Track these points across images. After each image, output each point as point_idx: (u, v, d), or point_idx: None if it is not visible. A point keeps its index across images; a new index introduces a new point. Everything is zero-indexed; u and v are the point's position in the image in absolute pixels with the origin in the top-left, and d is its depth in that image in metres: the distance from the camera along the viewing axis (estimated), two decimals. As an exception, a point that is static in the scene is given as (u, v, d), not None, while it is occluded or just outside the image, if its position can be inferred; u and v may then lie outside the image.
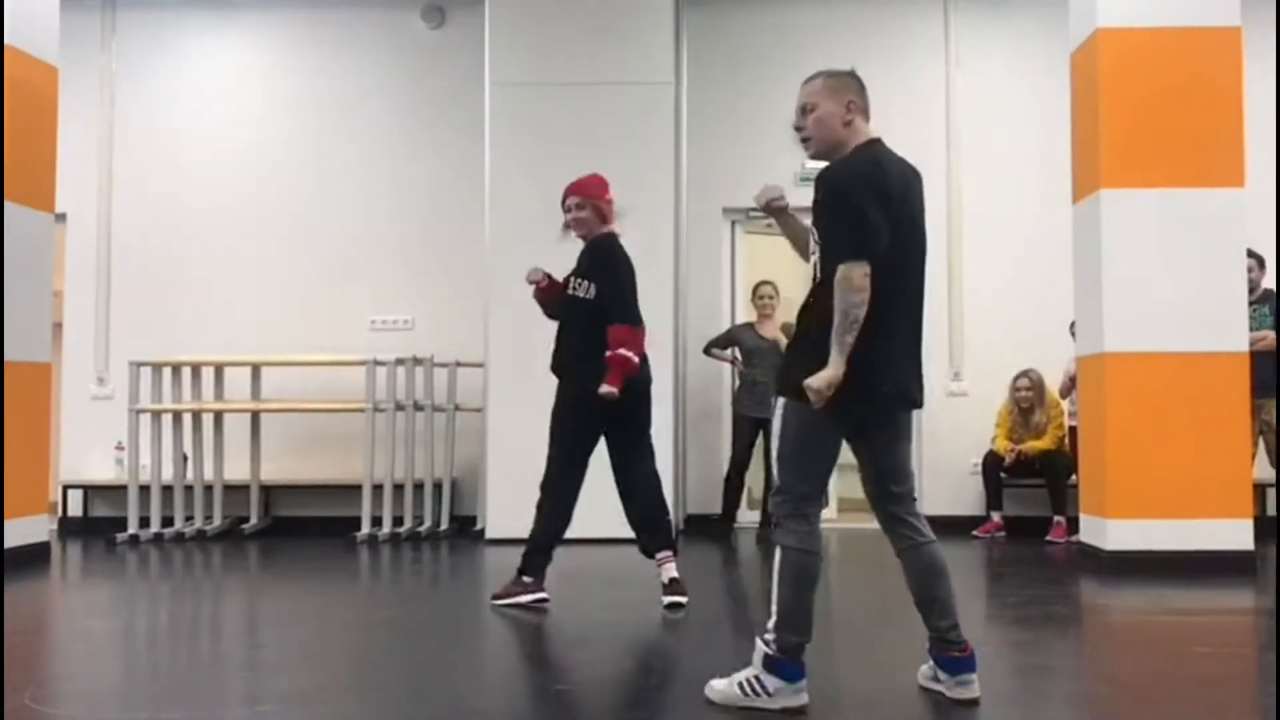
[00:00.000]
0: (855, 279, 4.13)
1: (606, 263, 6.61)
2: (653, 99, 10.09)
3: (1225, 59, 8.06)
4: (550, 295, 6.82)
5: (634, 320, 6.55)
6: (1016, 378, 10.30)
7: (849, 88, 4.45)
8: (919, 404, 4.54)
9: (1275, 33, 9.71)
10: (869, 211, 4.23)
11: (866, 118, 4.49)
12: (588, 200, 6.68)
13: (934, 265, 10.70)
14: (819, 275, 4.31)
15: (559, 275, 6.88)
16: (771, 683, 4.26)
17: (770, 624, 4.29)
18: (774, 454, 4.40)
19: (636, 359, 6.50)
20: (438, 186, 11.20)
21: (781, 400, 4.36)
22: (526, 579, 6.63)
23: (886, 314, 4.25)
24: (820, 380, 4.13)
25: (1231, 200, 7.99)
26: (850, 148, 4.42)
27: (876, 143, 4.47)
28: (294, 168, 11.33)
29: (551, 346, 6.79)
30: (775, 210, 4.60)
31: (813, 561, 4.33)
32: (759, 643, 4.31)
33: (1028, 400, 10.27)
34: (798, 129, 4.50)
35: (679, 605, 6.52)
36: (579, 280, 6.63)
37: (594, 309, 6.53)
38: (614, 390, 6.36)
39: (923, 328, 4.56)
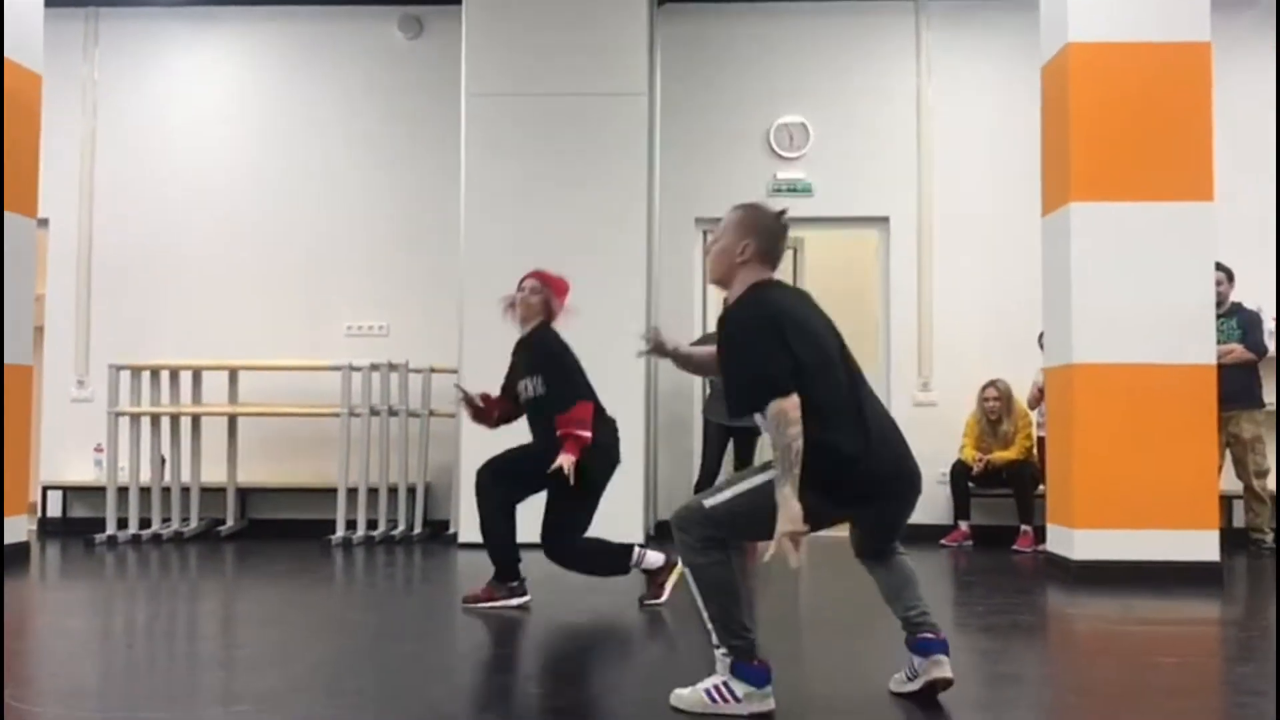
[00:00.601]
0: (788, 412, 4.15)
1: (550, 354, 6.79)
2: (626, 109, 10.19)
3: (1195, 74, 8.10)
4: (488, 411, 6.99)
5: (586, 397, 6.74)
6: (984, 388, 10.39)
7: (752, 229, 4.48)
8: (917, 480, 4.62)
9: (1275, 45, 9.85)
10: (771, 349, 4.26)
11: (766, 262, 4.51)
12: (545, 289, 6.85)
13: (903, 275, 10.95)
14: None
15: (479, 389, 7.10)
16: (739, 688, 4.28)
17: (714, 639, 4.32)
18: (730, 488, 4.36)
19: (588, 434, 6.62)
20: (414, 195, 11.28)
21: (765, 476, 4.31)
22: (513, 582, 6.80)
23: (840, 412, 4.30)
24: (791, 524, 4.13)
25: (1201, 214, 8.02)
26: (736, 284, 4.49)
27: (765, 284, 4.48)
28: (272, 175, 11.40)
29: None
30: (661, 353, 4.78)
31: (724, 569, 4.30)
32: (717, 654, 4.34)
33: (995, 410, 10.36)
34: (705, 253, 4.68)
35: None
36: (527, 380, 6.78)
37: (548, 401, 6.69)
38: (570, 459, 6.53)
39: (885, 410, 4.64)
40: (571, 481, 6.53)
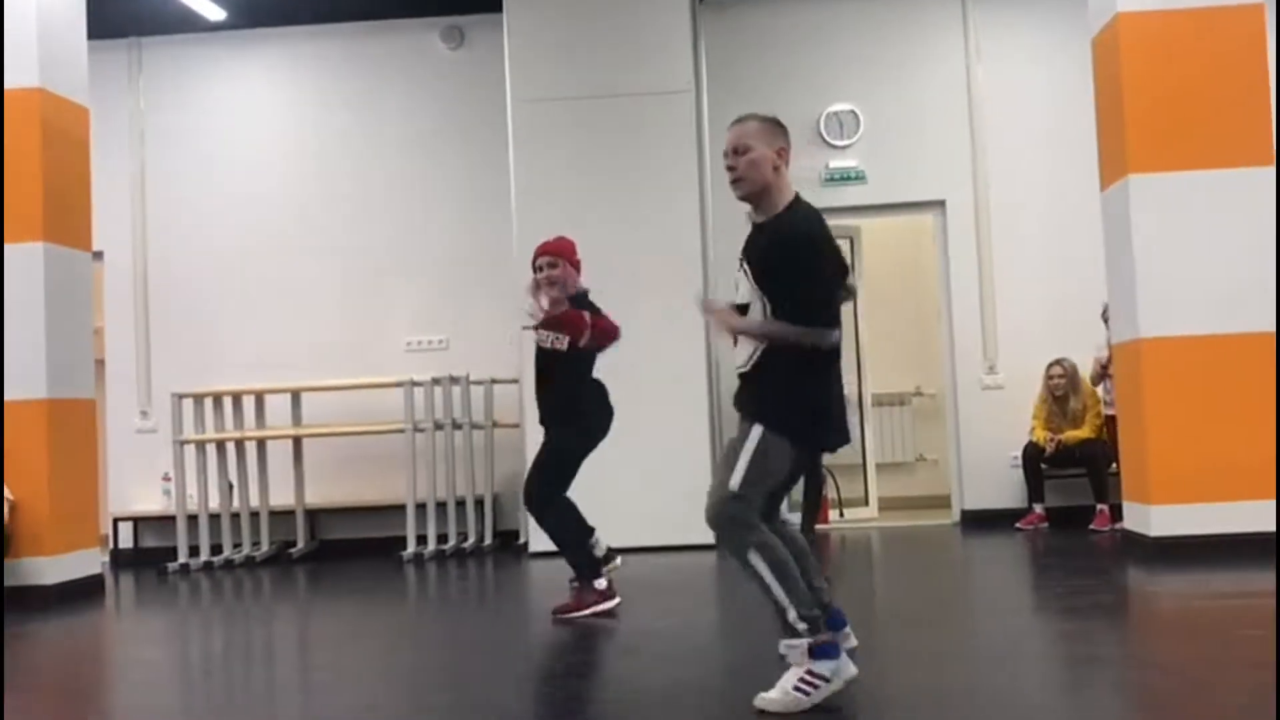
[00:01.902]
0: (806, 339, 4.27)
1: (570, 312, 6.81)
2: (673, 107, 10.13)
3: (1249, 37, 7.96)
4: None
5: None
6: (1050, 366, 10.27)
7: (780, 135, 4.48)
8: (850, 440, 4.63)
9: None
10: (829, 273, 4.37)
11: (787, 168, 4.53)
12: (560, 259, 6.82)
13: (963, 259, 10.84)
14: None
15: None
16: (825, 667, 4.24)
17: (790, 617, 4.26)
18: (741, 458, 4.36)
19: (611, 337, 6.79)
20: (465, 206, 11.27)
21: (759, 431, 4.36)
22: (601, 584, 6.75)
23: (835, 360, 4.42)
24: (729, 326, 4.38)
25: (1261, 179, 7.87)
26: (777, 194, 4.45)
27: (803, 201, 4.52)
28: (322, 194, 11.43)
29: None
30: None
31: (776, 546, 4.32)
32: (791, 644, 4.28)
33: (1061, 388, 10.24)
34: (729, 168, 4.50)
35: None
36: (546, 332, 6.80)
37: (566, 358, 6.75)
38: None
39: None
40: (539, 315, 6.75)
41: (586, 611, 6.62)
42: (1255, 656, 4.85)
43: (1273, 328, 7.81)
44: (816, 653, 4.25)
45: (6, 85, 8.37)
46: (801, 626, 4.26)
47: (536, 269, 6.86)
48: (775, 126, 4.49)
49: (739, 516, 4.33)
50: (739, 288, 4.50)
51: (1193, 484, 7.77)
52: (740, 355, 4.47)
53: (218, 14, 10.87)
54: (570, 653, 5.92)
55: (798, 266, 4.33)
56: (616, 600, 6.77)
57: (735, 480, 4.33)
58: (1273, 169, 7.89)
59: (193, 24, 11.31)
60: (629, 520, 9.19)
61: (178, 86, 11.57)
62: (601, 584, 6.75)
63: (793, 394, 4.34)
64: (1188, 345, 7.85)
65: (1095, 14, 8.46)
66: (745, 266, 4.46)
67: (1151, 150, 7.95)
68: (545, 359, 6.84)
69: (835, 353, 4.41)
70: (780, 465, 4.39)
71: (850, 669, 4.29)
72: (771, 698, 4.26)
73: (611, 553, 7.07)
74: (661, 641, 6.02)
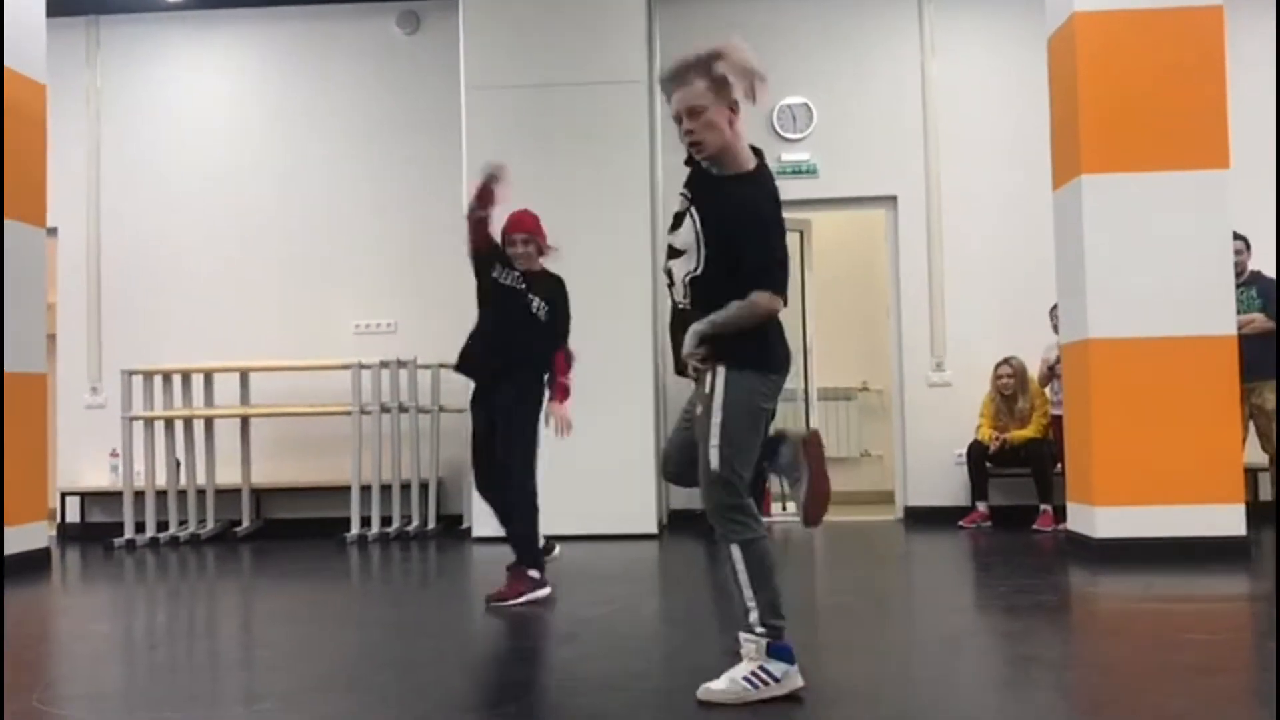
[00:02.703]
0: (763, 307, 4.27)
1: (565, 301, 7.05)
2: (627, 97, 10.20)
3: (1207, 40, 7.99)
4: (488, 199, 6.97)
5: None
6: (998, 365, 10.35)
7: (727, 88, 4.29)
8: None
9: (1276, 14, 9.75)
10: (782, 241, 4.36)
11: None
12: (533, 238, 6.97)
13: (913, 255, 10.92)
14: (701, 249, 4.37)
15: None
16: (777, 668, 4.27)
17: (754, 618, 4.28)
18: (713, 432, 4.30)
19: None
20: (417, 191, 11.28)
21: (723, 374, 4.30)
22: (534, 574, 6.74)
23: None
24: (695, 357, 4.34)
25: (1216, 182, 7.92)
26: (736, 150, 4.38)
27: (760, 154, 4.48)
28: (275, 176, 11.42)
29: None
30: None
31: (766, 545, 4.34)
32: (751, 637, 4.28)
33: (1009, 387, 10.31)
34: (687, 132, 4.36)
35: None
36: (541, 302, 6.93)
37: (545, 328, 6.93)
38: (567, 409, 6.98)
39: None
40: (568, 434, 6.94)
41: (520, 600, 6.64)
42: (1197, 661, 4.87)
43: (1221, 331, 7.88)
44: (773, 650, 4.28)
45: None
46: (760, 630, 4.28)
47: (510, 243, 6.94)
48: (722, 82, 4.28)
49: (731, 505, 4.30)
50: (679, 225, 4.43)
51: (1137, 486, 7.83)
52: (679, 288, 4.43)
53: (176, -8, 10.83)
54: (511, 638, 5.93)
55: (769, 232, 4.33)
56: (549, 590, 6.78)
57: (714, 459, 4.28)
58: (1225, 172, 7.93)
59: (151, 4, 11.33)
60: (572, 509, 9.24)
61: (134, 65, 11.54)
62: (535, 573, 6.77)
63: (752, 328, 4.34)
64: (1136, 347, 7.91)
65: (1052, 13, 8.52)
66: (693, 211, 4.40)
67: (1104, 151, 8.00)
68: (526, 317, 6.91)
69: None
70: (756, 404, 4.33)
71: (799, 681, 4.30)
72: (716, 687, 4.28)
73: (550, 542, 7.10)
74: (601, 629, 6.05)
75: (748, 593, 4.29)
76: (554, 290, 7.02)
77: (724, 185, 4.38)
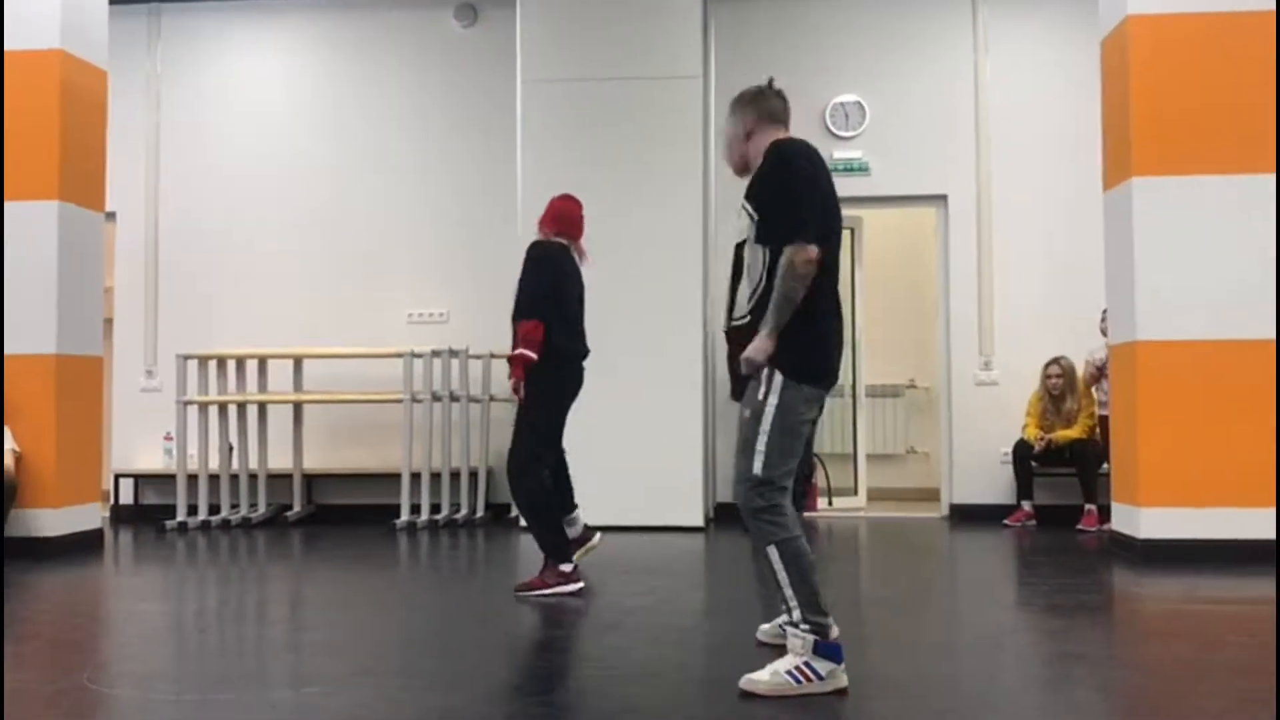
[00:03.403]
0: (799, 263, 4.33)
1: (526, 262, 6.95)
2: (681, 92, 10.24)
3: (1258, 44, 7.98)
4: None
5: (540, 316, 6.80)
6: (1047, 365, 10.34)
7: (741, 108, 4.79)
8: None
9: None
10: (815, 195, 4.45)
11: (774, 123, 4.77)
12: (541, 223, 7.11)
13: (963, 254, 10.90)
14: (767, 260, 4.48)
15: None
16: (823, 666, 4.31)
17: (796, 615, 4.34)
18: (760, 437, 4.39)
19: (532, 353, 6.77)
20: (472, 182, 11.35)
21: (778, 380, 4.40)
22: (565, 568, 6.77)
23: (828, 294, 4.51)
24: (760, 353, 4.37)
25: (1265, 187, 7.92)
26: (755, 156, 4.70)
27: (788, 139, 4.70)
28: (332, 165, 11.52)
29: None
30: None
31: (802, 544, 4.39)
32: (797, 633, 4.34)
33: (1058, 387, 10.30)
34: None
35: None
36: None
37: (514, 308, 6.94)
38: (518, 380, 6.82)
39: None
40: (519, 397, 6.86)
41: (546, 592, 6.68)
42: (1239, 663, 4.88)
43: (1271, 335, 7.86)
44: (820, 648, 4.33)
45: (28, 46, 8.49)
46: (804, 627, 4.34)
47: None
48: (737, 103, 4.81)
49: (768, 506, 4.37)
50: (741, 225, 4.66)
51: (1183, 488, 7.83)
52: (741, 305, 4.57)
53: (237, -18, 10.94)
54: (554, 626, 5.98)
55: (776, 184, 4.48)
56: (580, 585, 6.79)
57: (758, 464, 4.37)
58: (1272, 177, 7.91)
59: (212, -9, 11.43)
60: (618, 501, 9.31)
61: (194, 54, 11.67)
62: (566, 567, 6.79)
63: (797, 334, 4.40)
64: (1184, 349, 7.91)
65: (1105, 15, 8.50)
66: (746, 205, 4.60)
67: (1156, 153, 8.00)
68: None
69: (826, 294, 4.50)
70: (801, 416, 4.43)
71: (843, 681, 4.35)
72: (759, 678, 4.33)
73: (589, 531, 7.14)
74: (644, 619, 6.08)
75: (787, 591, 4.36)
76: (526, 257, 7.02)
77: (755, 175, 4.63)
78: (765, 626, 4.78)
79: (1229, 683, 4.56)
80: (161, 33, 11.69)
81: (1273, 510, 7.75)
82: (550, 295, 6.85)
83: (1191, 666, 4.91)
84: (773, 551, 4.36)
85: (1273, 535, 7.70)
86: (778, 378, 4.39)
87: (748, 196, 4.60)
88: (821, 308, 4.46)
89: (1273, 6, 8.01)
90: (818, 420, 4.63)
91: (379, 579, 7.77)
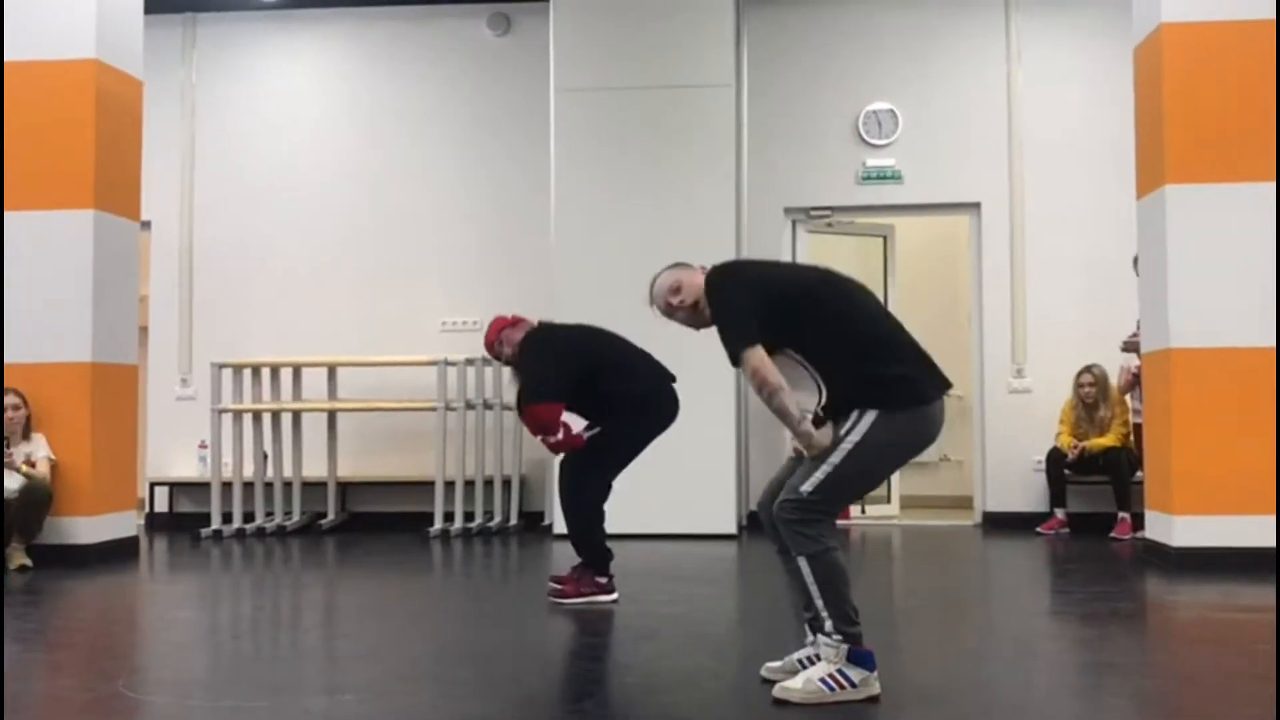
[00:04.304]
0: (753, 384, 4.39)
1: (522, 357, 6.84)
2: (714, 101, 10.24)
3: (1292, 52, 7.93)
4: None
5: (550, 398, 6.60)
6: (1080, 373, 10.30)
7: (663, 293, 5.09)
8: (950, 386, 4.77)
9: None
10: (730, 308, 4.61)
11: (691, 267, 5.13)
12: (496, 343, 6.97)
13: (996, 262, 10.87)
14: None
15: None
16: (856, 674, 4.31)
17: (829, 626, 4.33)
18: (826, 465, 4.36)
19: (558, 437, 6.61)
20: (505, 190, 11.38)
21: (868, 418, 4.39)
22: (601, 579, 6.73)
23: (861, 326, 4.59)
24: (817, 447, 4.38)
25: (1298, 194, 7.87)
26: (691, 298, 4.92)
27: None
28: (365, 174, 11.56)
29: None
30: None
31: (837, 555, 4.37)
32: (830, 642, 4.34)
33: (1091, 395, 10.26)
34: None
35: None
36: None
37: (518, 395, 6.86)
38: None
39: (904, 330, 4.78)
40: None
41: (577, 600, 6.64)
42: (1268, 671, 4.84)
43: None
44: (854, 656, 4.33)
45: (64, 56, 8.53)
46: (837, 637, 4.34)
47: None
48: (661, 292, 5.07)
49: (801, 520, 4.36)
50: None
51: (1217, 496, 7.77)
52: (808, 401, 4.49)
53: (271, -8, 11.02)
54: (589, 634, 6.00)
55: (717, 311, 4.70)
56: (614, 597, 6.70)
57: (810, 485, 4.36)
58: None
59: (246, 2, 11.53)
60: (652, 509, 9.32)
61: (229, 63, 11.74)
62: (602, 579, 6.73)
63: (875, 377, 4.45)
64: (1218, 357, 7.85)
65: (1139, 23, 8.45)
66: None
67: (1189, 161, 7.95)
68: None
69: (859, 326, 4.59)
70: (884, 453, 4.47)
71: (876, 689, 4.35)
72: (793, 687, 4.34)
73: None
74: (679, 627, 6.09)
75: (819, 602, 4.35)
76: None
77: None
78: (772, 664, 4.75)
79: (1263, 691, 4.53)
80: (196, 42, 11.76)
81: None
82: (559, 371, 6.69)
83: (1226, 675, 4.89)
84: (804, 563, 4.36)
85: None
86: (869, 415, 4.38)
87: None
88: (861, 341, 4.51)
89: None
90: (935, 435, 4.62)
91: (413, 587, 7.81)
